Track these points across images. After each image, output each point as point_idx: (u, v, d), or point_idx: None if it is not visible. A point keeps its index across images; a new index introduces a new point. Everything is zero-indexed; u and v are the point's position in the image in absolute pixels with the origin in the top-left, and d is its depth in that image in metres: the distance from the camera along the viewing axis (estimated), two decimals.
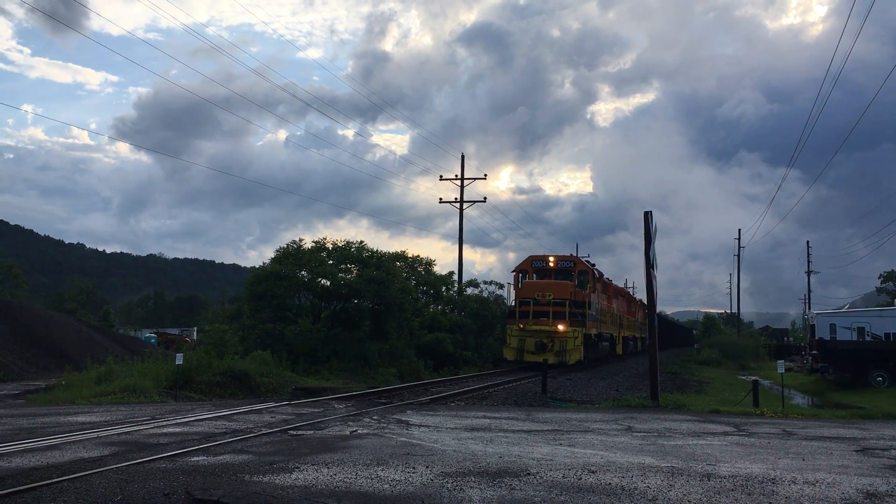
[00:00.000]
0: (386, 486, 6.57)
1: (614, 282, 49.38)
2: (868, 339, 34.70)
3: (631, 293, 55.89)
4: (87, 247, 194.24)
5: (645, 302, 58.29)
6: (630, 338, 47.65)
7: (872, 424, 13.20)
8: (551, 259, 31.22)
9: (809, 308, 68.19)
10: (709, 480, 7.07)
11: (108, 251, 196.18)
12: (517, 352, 28.27)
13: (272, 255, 31.65)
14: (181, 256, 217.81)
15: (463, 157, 44.62)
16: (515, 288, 31.01)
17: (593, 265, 35.07)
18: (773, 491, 6.68)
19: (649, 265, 17.29)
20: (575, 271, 30.92)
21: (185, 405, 14.61)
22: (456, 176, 44.02)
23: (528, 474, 7.18)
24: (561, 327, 27.61)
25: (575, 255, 35.13)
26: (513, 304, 30.71)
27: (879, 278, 75.64)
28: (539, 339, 27.83)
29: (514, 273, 31.75)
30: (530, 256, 31.96)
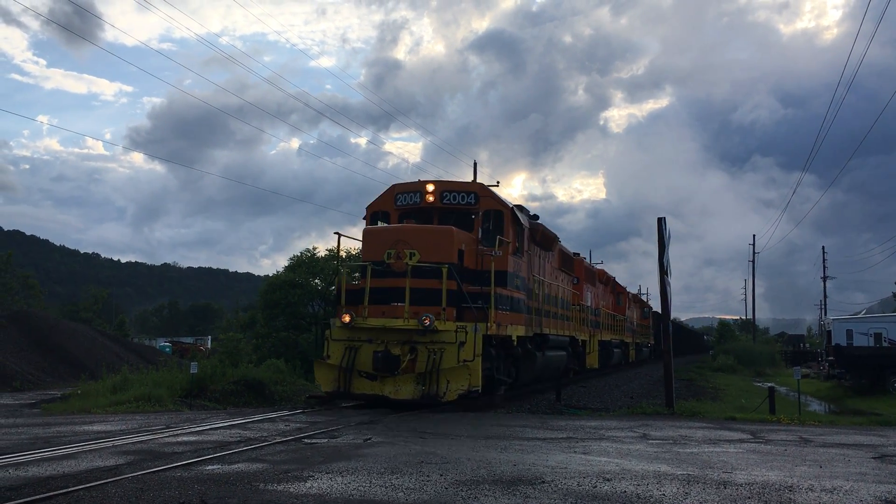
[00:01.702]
0: (400, 493, 6.56)
1: (607, 280, 36.93)
2: (885, 344, 34.39)
3: (618, 281, 40.78)
4: (102, 256, 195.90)
5: (641, 297, 56.06)
6: (615, 343, 34.96)
7: (890, 431, 13.07)
8: (430, 188, 16.48)
9: (826, 314, 67.71)
10: (725, 488, 7.02)
11: (122, 260, 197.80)
12: (339, 374, 14.62)
13: (286, 263, 31.76)
14: (195, 265, 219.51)
15: (475, 164, 44.76)
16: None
17: (537, 218, 19.77)
18: (791, 499, 6.62)
19: (663, 271, 17.22)
20: (478, 213, 16.31)
21: (199, 414, 14.66)
22: None
23: (543, 482, 7.15)
24: (428, 321, 14.04)
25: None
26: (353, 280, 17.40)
27: None
28: (384, 349, 14.36)
29: (366, 218, 17.40)
30: (394, 185, 17.39)
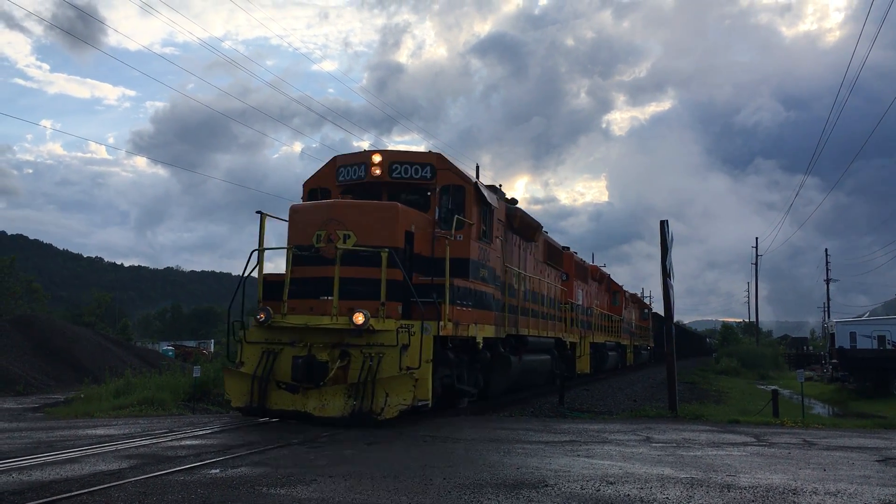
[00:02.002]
0: (403, 497, 6.56)
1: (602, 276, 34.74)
2: (889, 347, 34.34)
3: (614, 279, 38.38)
4: (106, 260, 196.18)
5: (639, 296, 54.22)
6: (610, 346, 32.70)
7: (894, 434, 13.05)
8: (376, 159, 14.03)
9: (829, 316, 67.61)
10: (728, 491, 7.01)
11: (125, 264, 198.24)
12: (253, 385, 11.95)
13: None
14: (198, 269, 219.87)
15: (478, 167, 44.61)
16: None
17: (515, 203, 17.68)
18: (795, 502, 6.62)
19: (666, 274, 17.21)
20: (435, 189, 14.03)
21: (202, 417, 14.67)
22: None
23: (546, 486, 7.14)
24: (360, 318, 11.59)
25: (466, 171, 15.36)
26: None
27: None
28: (306, 353, 11.91)
29: (304, 197, 15.02)
30: (336, 157, 14.89)
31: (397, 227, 12.57)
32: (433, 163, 14.15)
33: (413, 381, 11.40)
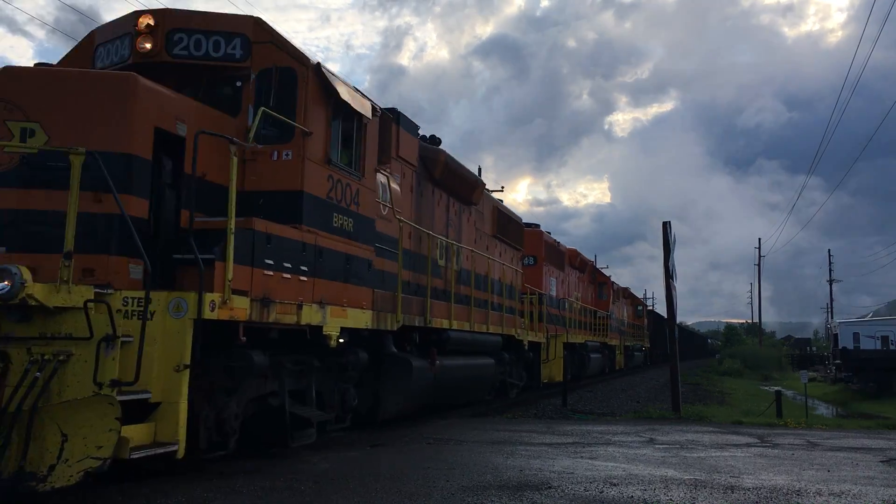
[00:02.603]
0: (406, 500, 6.55)
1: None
2: (893, 347, 34.32)
3: (600, 269, 35.29)
4: None
5: (634, 293, 51.70)
6: (593, 346, 27.68)
7: None
8: (146, 21, 7.96)
9: (832, 317, 67.56)
10: (732, 493, 7.01)
11: None
12: None
13: None
14: None
15: (480, 169, 44.68)
16: None
17: (438, 143, 13.24)
18: (798, 503, 6.62)
19: (668, 276, 17.22)
20: (248, 78, 8.22)
21: None
22: None
23: (550, 487, 7.14)
24: (5, 282, 5.44)
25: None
26: None
27: None
28: None
29: None
30: (95, 30, 8.67)
31: (133, 118, 6.86)
32: (246, 33, 8.36)
33: (117, 409, 5.61)
